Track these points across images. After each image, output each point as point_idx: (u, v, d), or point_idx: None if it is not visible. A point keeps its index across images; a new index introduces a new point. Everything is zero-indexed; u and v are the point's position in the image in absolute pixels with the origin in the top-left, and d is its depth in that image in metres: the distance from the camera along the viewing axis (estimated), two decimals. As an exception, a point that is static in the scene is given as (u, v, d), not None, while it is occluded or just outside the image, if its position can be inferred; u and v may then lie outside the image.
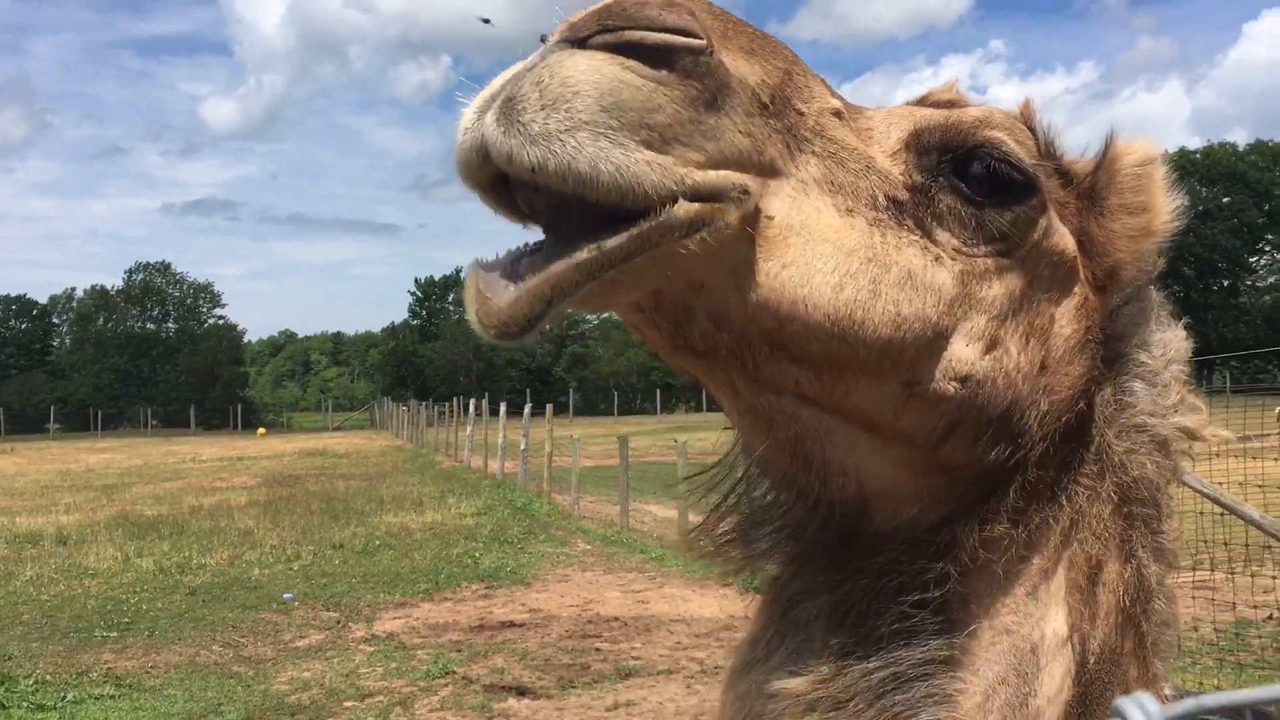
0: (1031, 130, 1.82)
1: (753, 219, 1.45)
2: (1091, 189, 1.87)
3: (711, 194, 1.39)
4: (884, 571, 1.68)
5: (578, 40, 1.37)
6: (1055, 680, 1.67)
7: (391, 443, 65.89)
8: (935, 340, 1.59)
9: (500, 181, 1.41)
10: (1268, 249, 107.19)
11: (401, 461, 46.74)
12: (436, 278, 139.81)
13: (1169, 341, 1.88)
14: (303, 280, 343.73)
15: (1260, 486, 12.45)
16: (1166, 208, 1.86)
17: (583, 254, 1.34)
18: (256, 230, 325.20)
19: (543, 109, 1.31)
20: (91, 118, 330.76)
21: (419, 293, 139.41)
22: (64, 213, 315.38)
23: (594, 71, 1.34)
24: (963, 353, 1.62)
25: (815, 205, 1.53)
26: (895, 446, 1.66)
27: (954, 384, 1.61)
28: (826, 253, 1.51)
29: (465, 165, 1.41)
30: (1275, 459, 14.61)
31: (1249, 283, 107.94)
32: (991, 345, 1.65)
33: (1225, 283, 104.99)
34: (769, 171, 1.50)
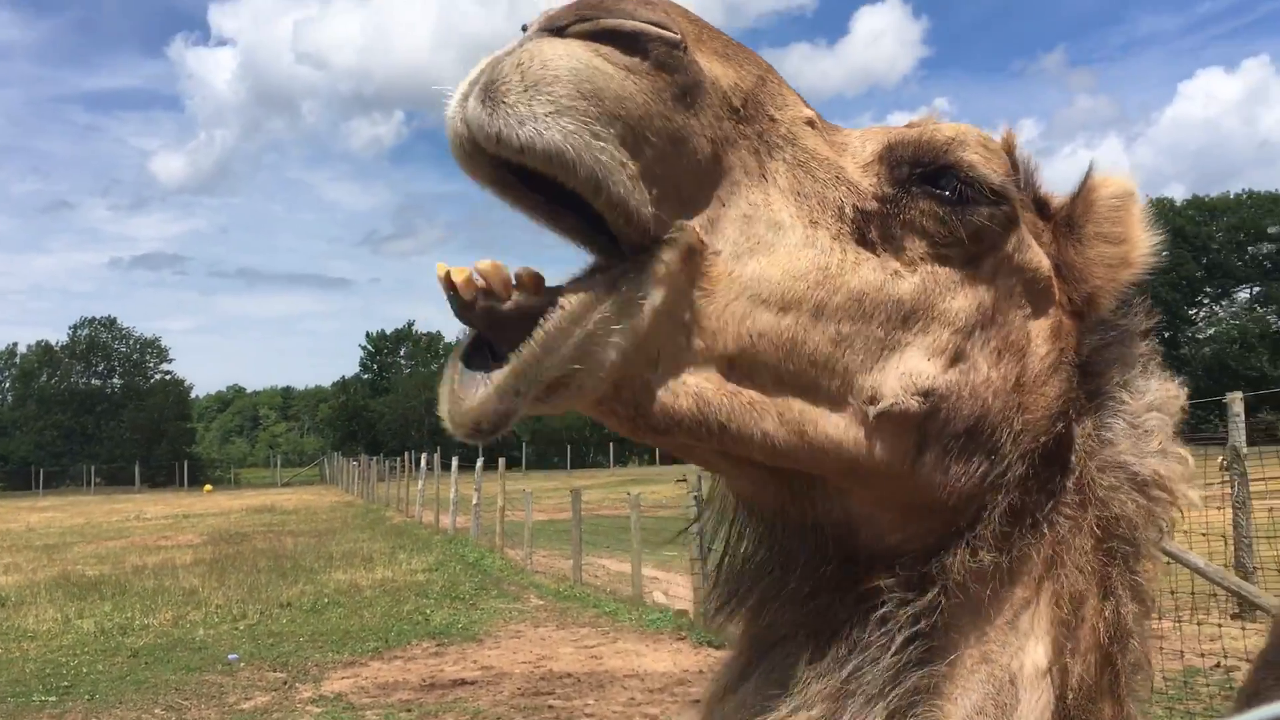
0: (1012, 159, 1.85)
1: (694, 256, 1.48)
2: (1069, 218, 1.91)
3: (658, 236, 1.43)
4: (867, 595, 1.67)
5: (555, 30, 1.41)
6: (1034, 714, 1.66)
7: (341, 498, 64.98)
8: (888, 355, 1.61)
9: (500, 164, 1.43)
10: (1206, 301, 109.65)
11: (351, 517, 46.09)
12: (388, 331, 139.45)
13: (1153, 389, 1.88)
14: (252, 335, 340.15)
15: (1205, 535, 12.61)
16: (1144, 241, 1.89)
17: (544, 330, 1.37)
18: (206, 284, 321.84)
19: (525, 91, 1.34)
20: (38, 172, 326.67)
21: (370, 347, 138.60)
22: (8, 267, 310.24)
23: (570, 57, 1.37)
24: (923, 367, 1.63)
25: (778, 217, 1.56)
26: (874, 480, 1.66)
27: (916, 399, 1.61)
28: (776, 277, 1.53)
29: (458, 152, 1.44)
30: (1219, 507, 14.81)
31: (1189, 335, 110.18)
32: (956, 358, 1.66)
33: (1166, 334, 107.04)
34: (727, 183, 1.53)
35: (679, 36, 1.43)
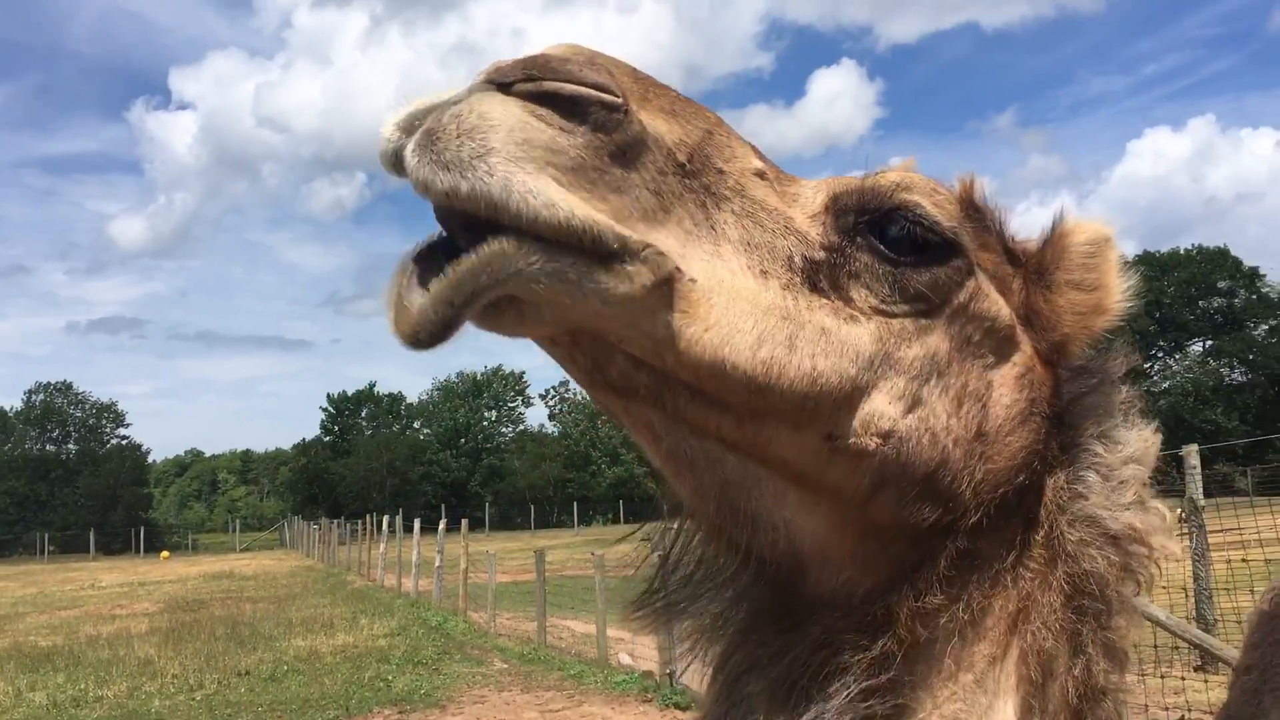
0: (974, 205, 1.84)
1: (669, 281, 1.46)
2: (1039, 265, 1.89)
3: (619, 250, 1.40)
4: (822, 644, 1.66)
5: (502, 85, 1.42)
6: None
7: (302, 563, 63.97)
8: (853, 395, 1.60)
9: None
10: (1160, 355, 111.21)
11: (312, 582, 45.32)
12: (349, 393, 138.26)
13: (1131, 439, 1.86)
14: (211, 398, 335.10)
15: (1165, 588, 12.69)
16: (1119, 287, 1.88)
17: (490, 248, 1.35)
18: (164, 348, 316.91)
19: (458, 137, 1.35)
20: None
21: (331, 408, 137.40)
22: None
23: (507, 113, 1.38)
24: (885, 409, 1.62)
25: (730, 266, 1.55)
26: (825, 502, 1.65)
27: (875, 439, 1.61)
28: (745, 311, 1.52)
29: (387, 167, 1.45)
30: (1178, 561, 14.92)
31: (1145, 389, 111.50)
32: (915, 404, 1.65)
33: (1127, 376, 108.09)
34: (680, 231, 1.52)
35: (620, 99, 1.43)
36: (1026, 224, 1.97)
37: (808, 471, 1.62)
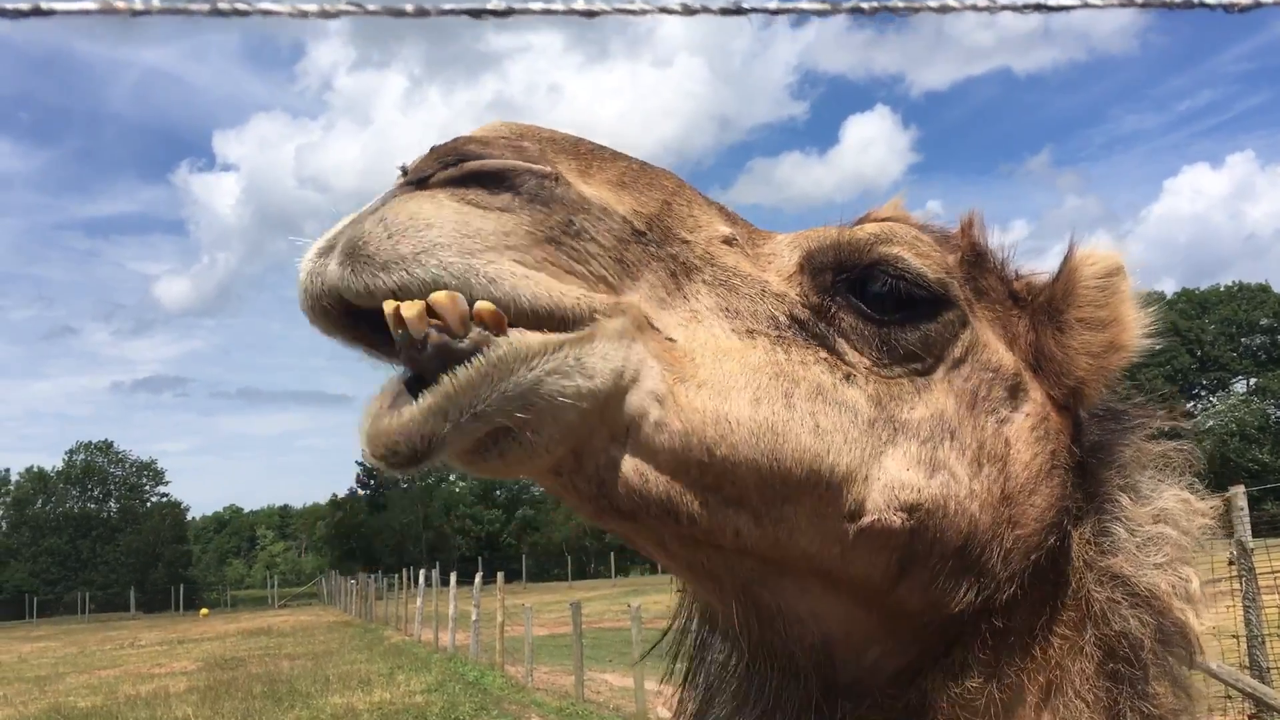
0: (973, 246, 1.75)
1: (652, 331, 1.42)
2: (1049, 304, 1.77)
3: (593, 312, 1.36)
4: None
5: (419, 181, 1.35)
6: None
7: (339, 618, 63.92)
8: (865, 460, 1.50)
9: (352, 318, 1.38)
10: (1202, 394, 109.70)
11: (349, 638, 45.24)
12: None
13: (1166, 496, 1.74)
14: (251, 454, 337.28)
15: (1215, 634, 12.38)
16: (1134, 321, 1.75)
17: (485, 358, 1.28)
18: (206, 405, 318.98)
19: (390, 238, 1.28)
20: (42, 299, 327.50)
21: (367, 462, 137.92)
22: (3, 394, 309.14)
23: (439, 208, 1.30)
24: (904, 478, 1.52)
25: (711, 331, 1.48)
26: (851, 591, 1.56)
27: (900, 514, 1.51)
28: (735, 370, 1.45)
29: (310, 308, 1.38)
30: (1229, 606, 14.56)
31: (1188, 428, 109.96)
32: (934, 470, 1.54)
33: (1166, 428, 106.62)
34: (652, 296, 1.46)
35: (549, 169, 1.38)
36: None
37: (832, 565, 1.52)
